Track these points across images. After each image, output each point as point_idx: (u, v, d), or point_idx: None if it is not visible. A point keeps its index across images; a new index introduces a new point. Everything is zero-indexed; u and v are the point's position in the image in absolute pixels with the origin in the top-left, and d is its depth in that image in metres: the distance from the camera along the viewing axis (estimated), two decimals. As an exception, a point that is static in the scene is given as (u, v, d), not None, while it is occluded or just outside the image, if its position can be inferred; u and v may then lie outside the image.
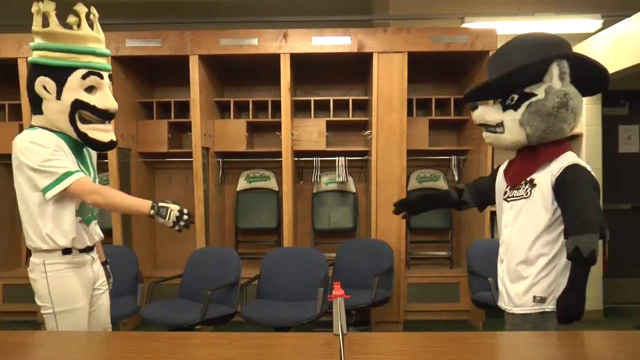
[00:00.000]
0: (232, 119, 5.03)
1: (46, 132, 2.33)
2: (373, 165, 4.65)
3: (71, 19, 2.36)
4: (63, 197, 2.31)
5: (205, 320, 3.53)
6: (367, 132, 4.89)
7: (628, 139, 5.57)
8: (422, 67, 4.87)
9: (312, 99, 4.99)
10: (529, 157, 2.38)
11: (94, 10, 2.45)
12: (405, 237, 4.79)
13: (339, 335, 1.79)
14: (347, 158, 5.15)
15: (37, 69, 2.34)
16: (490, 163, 4.63)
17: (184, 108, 5.02)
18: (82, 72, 2.33)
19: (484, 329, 4.65)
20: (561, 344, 2.05)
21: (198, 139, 4.62)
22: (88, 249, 2.47)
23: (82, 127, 2.35)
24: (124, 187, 4.74)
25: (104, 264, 2.70)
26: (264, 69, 4.93)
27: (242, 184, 5.33)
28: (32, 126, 2.41)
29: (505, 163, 2.57)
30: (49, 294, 2.34)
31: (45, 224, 2.33)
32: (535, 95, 2.28)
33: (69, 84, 2.32)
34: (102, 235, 2.60)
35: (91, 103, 2.34)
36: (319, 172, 5.23)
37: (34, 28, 2.33)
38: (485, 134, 2.50)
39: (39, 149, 2.27)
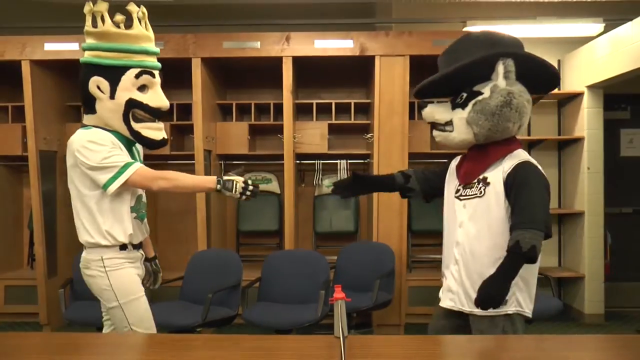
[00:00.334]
0: (234, 121, 5.04)
1: (101, 131, 2.36)
2: (375, 168, 4.65)
3: (117, 18, 2.36)
4: (122, 192, 2.34)
5: (206, 322, 3.53)
6: (368, 135, 4.89)
7: (630, 142, 5.57)
8: (423, 71, 4.85)
9: (314, 101, 4.99)
10: (480, 156, 2.37)
11: (143, 8, 2.46)
12: (407, 240, 4.79)
13: (339, 338, 1.80)
14: (348, 161, 5.15)
15: (90, 69, 2.38)
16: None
17: (186, 110, 5.03)
18: (135, 71, 2.35)
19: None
20: (562, 347, 2.05)
21: (200, 141, 4.63)
22: (139, 246, 2.51)
23: (136, 126, 2.38)
24: (126, 189, 4.75)
25: (153, 259, 2.71)
26: (266, 71, 4.94)
27: (243, 186, 5.34)
28: (84, 125, 2.45)
29: (458, 158, 2.55)
30: (112, 288, 2.38)
31: (105, 221, 2.37)
32: (481, 93, 2.28)
33: (123, 84, 2.34)
34: (149, 231, 2.63)
35: (144, 102, 2.37)
36: (320, 175, 5.23)
37: (86, 28, 2.37)
38: (434, 133, 2.49)
39: (97, 147, 2.29)
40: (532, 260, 2.15)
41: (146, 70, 2.38)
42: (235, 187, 2.35)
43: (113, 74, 2.35)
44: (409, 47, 4.55)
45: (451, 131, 2.38)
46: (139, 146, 2.55)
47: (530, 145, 5.42)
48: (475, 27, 4.75)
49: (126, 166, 2.30)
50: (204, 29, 4.57)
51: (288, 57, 4.56)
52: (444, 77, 2.32)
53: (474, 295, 2.23)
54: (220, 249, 4.79)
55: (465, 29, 4.78)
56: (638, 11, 4.23)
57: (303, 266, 4.07)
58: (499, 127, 2.27)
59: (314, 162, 5.20)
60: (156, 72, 2.43)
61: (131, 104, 2.35)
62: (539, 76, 2.38)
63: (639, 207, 5.51)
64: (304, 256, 4.28)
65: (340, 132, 5.19)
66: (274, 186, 5.33)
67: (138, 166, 2.34)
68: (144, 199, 2.54)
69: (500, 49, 2.28)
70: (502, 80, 2.26)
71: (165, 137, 2.48)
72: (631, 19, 4.28)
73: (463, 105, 2.32)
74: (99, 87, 2.36)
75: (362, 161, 5.19)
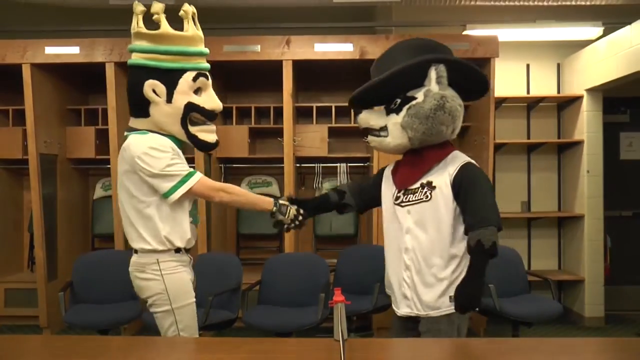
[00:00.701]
0: (234, 124, 5.05)
1: (160, 137, 2.32)
2: (374, 171, 4.65)
3: (156, 7, 2.33)
4: (182, 198, 2.32)
5: (206, 325, 3.53)
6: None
7: (629, 145, 5.58)
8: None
9: (314, 105, 5.00)
10: (415, 160, 2.40)
11: (193, 8, 2.42)
12: (407, 243, 4.79)
13: (339, 341, 1.80)
14: (348, 164, 5.16)
15: (143, 72, 2.30)
16: (491, 169, 4.64)
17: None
18: (192, 74, 2.33)
19: (485, 335, 4.66)
20: (562, 350, 2.05)
21: (200, 144, 4.63)
22: (189, 250, 2.50)
23: (192, 129, 2.36)
24: (127, 192, 4.75)
25: None
26: (266, 75, 4.95)
27: (244, 189, 5.34)
28: (131, 129, 2.38)
29: (392, 165, 2.57)
30: (166, 291, 2.34)
31: (164, 226, 2.33)
32: (415, 98, 2.31)
33: (180, 87, 2.31)
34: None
35: (201, 105, 2.36)
36: (320, 178, 5.24)
37: (138, 29, 2.31)
38: (369, 138, 2.51)
39: (160, 154, 2.25)
40: (494, 255, 2.23)
41: (202, 73, 2.37)
42: (288, 213, 2.41)
43: (170, 77, 2.30)
44: (409, 51, 4.55)
45: (386, 136, 2.41)
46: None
47: (529, 149, 5.43)
48: (475, 31, 4.77)
49: (189, 175, 2.29)
50: (204, 32, 4.53)
51: (288, 61, 4.57)
52: (379, 83, 2.34)
53: (429, 299, 2.30)
54: (220, 252, 4.80)
55: (465, 33, 4.79)
56: (637, 15, 4.24)
57: (303, 269, 4.07)
58: (433, 130, 2.30)
59: (314, 165, 5.21)
60: (209, 74, 2.42)
61: (190, 108, 2.33)
62: (469, 82, 2.42)
63: (639, 210, 5.51)
64: (304, 259, 4.28)
65: (340, 135, 5.19)
66: (274, 189, 5.33)
67: (200, 176, 2.32)
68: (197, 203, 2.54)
69: (432, 55, 2.34)
70: (434, 85, 2.30)
71: (217, 139, 2.48)
72: (630, 23, 4.29)
73: (397, 111, 2.35)
74: (154, 91, 2.30)
75: (362, 164, 5.19)
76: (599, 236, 5.03)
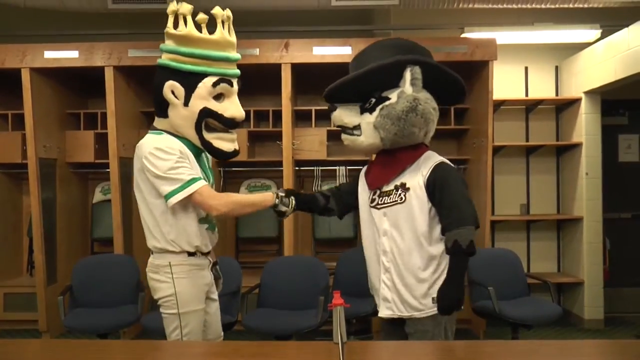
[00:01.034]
0: (233, 128, 5.04)
1: (170, 138, 2.30)
2: (374, 174, 4.66)
3: (200, 17, 2.28)
4: (187, 203, 2.28)
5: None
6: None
7: (628, 148, 5.59)
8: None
9: (313, 108, 5.01)
10: (388, 161, 2.39)
11: (228, 12, 2.36)
12: (406, 246, 4.79)
13: (338, 344, 1.80)
14: (347, 167, 5.16)
15: (166, 72, 2.29)
16: (490, 172, 4.64)
17: (185, 117, 5.04)
18: (213, 79, 2.28)
19: (485, 337, 4.65)
20: (562, 353, 2.06)
21: (199, 148, 4.63)
22: (207, 253, 2.48)
23: (207, 136, 2.31)
24: (125, 196, 4.75)
25: (214, 264, 2.70)
26: (265, 78, 4.95)
27: (243, 193, 5.35)
28: (154, 128, 2.38)
29: (366, 166, 2.57)
30: (175, 295, 2.33)
31: (170, 231, 2.31)
32: (389, 99, 2.30)
33: (199, 91, 2.27)
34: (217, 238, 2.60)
35: (219, 112, 2.30)
36: (319, 181, 5.24)
37: (167, 29, 2.27)
38: (343, 136, 2.50)
39: (165, 156, 2.22)
40: (472, 253, 2.22)
41: (224, 79, 2.30)
42: (291, 204, 2.41)
43: (190, 80, 2.26)
44: (407, 54, 4.56)
45: (359, 135, 2.39)
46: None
47: (528, 151, 5.44)
48: (473, 34, 4.78)
49: (191, 181, 2.23)
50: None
51: (287, 64, 4.58)
52: (354, 80, 2.32)
53: (411, 299, 2.29)
54: (219, 256, 4.77)
55: (463, 35, 4.80)
56: (634, 17, 4.25)
57: (302, 272, 4.07)
58: (405, 132, 2.29)
59: (313, 168, 5.21)
60: (234, 81, 2.37)
61: (205, 113, 2.28)
62: (445, 86, 2.41)
63: (638, 212, 5.52)
64: (303, 262, 4.28)
65: (339, 138, 5.12)
66: (273, 193, 5.33)
67: (202, 184, 2.25)
68: None
69: (408, 56, 2.31)
70: (408, 86, 2.29)
71: (237, 148, 2.42)
72: (627, 25, 4.30)
73: (371, 110, 2.34)
74: (173, 92, 2.27)
75: (361, 167, 5.18)
76: (598, 238, 5.03)
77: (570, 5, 4.47)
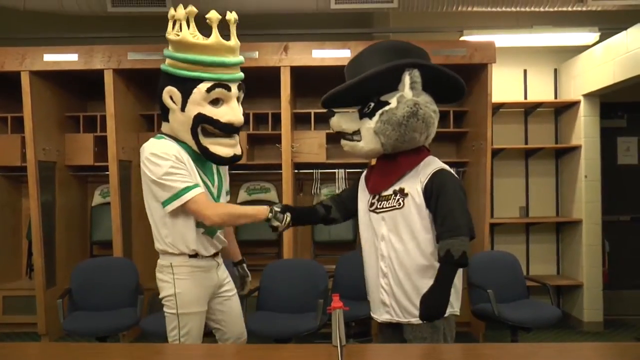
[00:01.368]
0: (232, 131, 5.05)
1: (168, 143, 2.31)
2: (373, 177, 4.66)
3: (178, 18, 2.28)
4: (185, 209, 2.29)
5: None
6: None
7: (627, 150, 5.60)
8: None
9: (312, 111, 5.01)
10: (389, 166, 2.36)
11: (233, 16, 2.37)
12: (405, 248, 4.79)
13: (337, 346, 1.80)
14: (346, 170, 5.16)
15: (165, 78, 2.31)
16: (490, 175, 4.64)
17: (184, 120, 5.04)
18: (208, 84, 2.27)
19: (484, 340, 4.65)
20: (562, 355, 2.06)
21: (199, 151, 4.63)
22: (214, 255, 2.48)
23: (204, 141, 2.31)
24: (125, 199, 4.76)
25: (240, 262, 2.68)
26: (264, 81, 4.96)
27: (242, 196, 5.35)
28: (161, 132, 2.40)
29: (367, 171, 2.54)
30: (175, 296, 2.36)
31: (167, 234, 2.34)
32: (388, 103, 2.27)
33: (193, 97, 2.26)
34: (226, 241, 2.61)
35: (214, 117, 2.29)
36: (319, 184, 5.24)
37: (166, 35, 2.29)
38: (342, 142, 2.47)
39: (160, 161, 2.24)
40: (464, 265, 2.19)
41: (220, 84, 2.28)
42: (285, 220, 2.37)
43: (186, 85, 2.26)
44: (406, 57, 4.57)
45: (359, 141, 2.37)
46: None
47: (527, 154, 5.45)
48: (472, 37, 4.79)
49: (185, 190, 2.24)
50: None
51: (286, 67, 4.58)
52: (351, 87, 2.30)
53: (408, 305, 2.27)
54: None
55: (462, 39, 4.81)
56: (633, 20, 4.26)
57: (302, 275, 4.07)
58: (406, 137, 2.26)
59: (312, 171, 5.21)
60: (233, 85, 2.33)
61: (200, 119, 2.27)
62: (444, 87, 2.38)
63: (637, 215, 5.52)
64: (302, 265, 4.28)
65: (338, 141, 5.14)
66: (272, 195, 5.33)
67: (196, 193, 2.26)
68: None
69: (407, 59, 2.28)
70: (408, 90, 2.25)
71: (238, 153, 2.40)
72: (626, 28, 4.31)
73: (370, 115, 2.31)
74: (171, 98, 2.29)
75: (361, 170, 5.18)
76: (597, 241, 5.03)
77: (569, 8, 4.48)
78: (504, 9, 4.50)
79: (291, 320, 3.72)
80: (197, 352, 2.18)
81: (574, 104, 5.13)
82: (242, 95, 2.42)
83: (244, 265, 2.71)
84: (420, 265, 2.26)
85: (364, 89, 2.30)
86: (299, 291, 3.96)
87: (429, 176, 2.27)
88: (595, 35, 4.81)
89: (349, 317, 3.68)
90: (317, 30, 5.02)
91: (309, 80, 5.08)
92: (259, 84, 5.17)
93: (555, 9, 4.48)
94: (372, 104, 2.31)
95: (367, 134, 2.32)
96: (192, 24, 2.28)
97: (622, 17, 4.62)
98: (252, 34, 5.01)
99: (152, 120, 5.12)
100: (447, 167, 2.34)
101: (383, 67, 2.22)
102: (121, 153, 4.68)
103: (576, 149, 5.10)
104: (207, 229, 2.41)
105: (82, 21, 4.94)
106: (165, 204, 2.27)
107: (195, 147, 2.33)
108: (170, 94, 2.29)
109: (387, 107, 2.27)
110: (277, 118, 4.87)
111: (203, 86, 2.27)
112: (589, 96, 5.00)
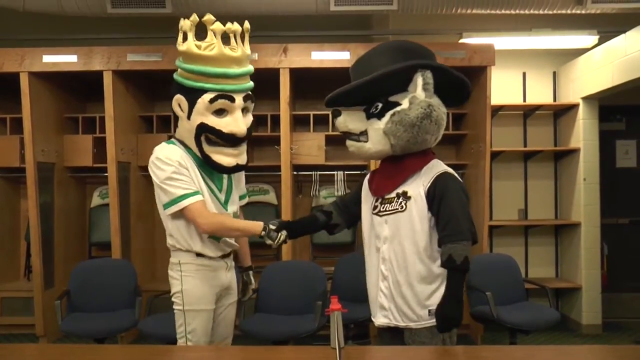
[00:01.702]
0: (231, 132, 5.04)
1: (174, 149, 2.38)
2: (372, 179, 4.66)
3: (185, 30, 2.33)
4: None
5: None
6: (365, 146, 4.89)
7: (625, 153, 5.60)
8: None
9: (312, 113, 5.01)
10: (395, 168, 2.33)
11: (246, 25, 2.42)
12: (404, 251, 4.79)
13: (336, 349, 1.80)
14: (346, 172, 5.16)
15: (176, 86, 2.39)
16: (488, 177, 4.65)
17: (184, 122, 5.03)
18: (210, 95, 2.31)
19: (483, 342, 4.65)
20: (560, 358, 2.06)
21: (198, 152, 4.63)
22: (228, 254, 2.52)
23: (207, 149, 2.36)
24: (124, 200, 4.75)
25: (247, 269, 2.68)
26: (263, 83, 4.92)
27: (241, 197, 5.34)
28: (173, 137, 2.50)
29: (370, 173, 2.52)
30: (181, 292, 2.42)
31: (174, 232, 2.42)
32: (399, 104, 2.24)
33: (197, 107, 2.32)
34: (236, 244, 2.62)
35: (217, 127, 2.33)
36: (317, 186, 5.24)
37: (177, 45, 2.35)
38: (348, 142, 2.40)
39: (163, 166, 2.32)
40: (466, 270, 2.18)
41: (224, 95, 2.32)
42: (278, 239, 2.35)
43: (192, 95, 2.33)
44: (406, 59, 4.57)
45: (365, 141, 2.32)
46: None
47: (526, 157, 5.45)
48: (471, 39, 4.79)
49: (183, 197, 2.30)
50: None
51: (285, 69, 4.58)
52: (360, 86, 2.25)
53: (407, 310, 2.25)
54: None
55: (461, 41, 4.82)
56: (631, 23, 4.27)
57: (300, 277, 4.07)
58: (418, 138, 2.24)
59: (311, 173, 5.21)
60: (238, 96, 2.37)
61: (202, 128, 2.33)
62: (451, 90, 2.36)
63: (635, 218, 5.52)
64: (301, 267, 4.27)
65: (337, 143, 5.18)
66: (271, 197, 5.33)
67: (194, 201, 2.31)
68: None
69: (416, 59, 2.25)
70: (421, 91, 2.22)
71: (241, 163, 2.44)
72: (625, 31, 4.32)
73: (379, 116, 2.27)
74: (180, 106, 2.37)
75: (360, 172, 5.20)
76: (595, 244, 5.03)
77: (568, 11, 4.49)
78: (503, 11, 4.51)
79: (290, 322, 3.72)
80: (195, 354, 2.17)
81: (573, 107, 5.14)
82: (251, 106, 2.47)
83: (250, 273, 2.71)
84: (419, 269, 2.23)
85: (372, 89, 2.26)
86: (298, 293, 3.96)
87: (432, 179, 2.24)
88: (594, 38, 4.82)
89: (347, 319, 3.67)
90: (317, 32, 5.02)
91: (308, 82, 5.08)
92: (258, 85, 5.13)
93: (555, 11, 4.49)
94: (380, 105, 2.27)
95: (375, 135, 2.28)
96: (213, 35, 2.31)
97: (621, 20, 4.63)
98: (251, 35, 4.99)
99: (151, 121, 5.12)
100: (450, 170, 2.31)
101: (397, 67, 2.19)
102: (120, 154, 4.68)
103: (575, 151, 5.11)
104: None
105: (81, 22, 4.93)
106: (165, 206, 2.35)
107: (199, 155, 2.39)
108: (178, 102, 2.37)
109: (398, 108, 2.23)
110: (276, 120, 4.87)
111: (207, 97, 2.31)
112: (587, 99, 5.00)
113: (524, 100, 5.42)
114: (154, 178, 2.35)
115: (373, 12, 4.77)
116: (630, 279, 5.47)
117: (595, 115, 5.05)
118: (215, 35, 2.30)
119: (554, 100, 5.42)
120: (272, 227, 2.37)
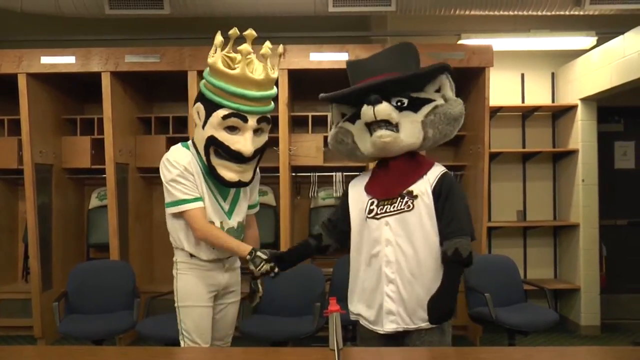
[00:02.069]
0: (230, 134, 5.04)
1: (185, 152, 2.48)
2: (370, 180, 4.65)
3: (217, 46, 2.42)
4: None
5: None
6: (364, 148, 4.89)
7: (624, 155, 5.60)
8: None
9: (310, 114, 5.01)
10: (408, 166, 2.33)
11: (281, 49, 2.55)
12: (403, 252, 4.78)
13: (334, 350, 1.80)
14: (344, 173, 5.16)
15: (200, 95, 2.47)
16: (487, 179, 4.65)
17: (182, 123, 5.04)
18: (225, 112, 2.37)
19: (481, 344, 4.65)
20: (559, 359, 2.05)
21: (196, 154, 4.63)
22: (217, 259, 2.57)
23: (214, 161, 2.44)
24: (122, 201, 4.74)
25: (253, 278, 2.69)
26: (262, 84, 4.96)
27: (239, 198, 5.33)
28: (192, 140, 2.56)
29: (361, 179, 2.47)
30: (176, 289, 2.56)
31: (171, 231, 2.56)
32: (433, 100, 2.31)
33: (211, 120, 2.40)
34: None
35: (225, 143, 2.40)
36: (316, 188, 5.24)
37: (208, 56, 2.43)
38: (384, 132, 2.26)
39: (170, 168, 2.43)
40: (470, 264, 2.23)
41: (237, 114, 2.38)
42: (261, 267, 2.35)
43: (210, 107, 2.41)
44: (404, 60, 4.57)
45: (399, 133, 2.28)
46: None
47: (525, 158, 5.45)
48: (470, 40, 4.80)
49: (183, 201, 2.42)
50: (199, 42, 4.58)
51: (284, 70, 4.58)
52: (395, 82, 2.27)
53: (418, 310, 2.23)
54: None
55: (460, 42, 4.82)
56: (630, 25, 4.27)
57: (299, 278, 4.05)
58: (451, 134, 2.36)
59: (309, 174, 5.21)
60: (252, 118, 2.40)
61: (211, 141, 2.41)
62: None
63: (634, 219, 5.52)
64: (299, 268, 4.20)
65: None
66: (269, 198, 5.32)
67: (192, 207, 2.42)
68: (227, 226, 2.55)
69: (417, 62, 2.40)
70: (449, 91, 2.35)
71: (244, 180, 2.49)
72: (623, 33, 4.32)
73: (415, 109, 2.28)
74: (198, 114, 2.45)
75: (358, 174, 5.19)
76: (594, 245, 5.04)
77: (567, 13, 4.50)
78: (501, 12, 4.51)
79: (288, 323, 3.72)
80: (193, 356, 2.17)
81: (571, 108, 5.14)
82: (266, 127, 2.53)
83: (258, 281, 2.71)
84: (432, 266, 2.24)
85: (402, 86, 2.31)
86: (297, 294, 3.96)
87: (437, 177, 2.29)
88: (592, 40, 4.82)
89: (347, 320, 3.67)
90: (315, 33, 5.02)
91: (306, 83, 5.07)
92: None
93: (553, 13, 4.49)
94: (406, 100, 2.29)
95: (411, 127, 2.27)
96: (219, 51, 2.40)
97: (620, 22, 4.63)
98: (250, 36, 5.00)
99: (149, 123, 5.11)
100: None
101: (434, 67, 2.30)
102: (118, 156, 4.67)
103: (573, 153, 5.11)
104: None
105: (79, 23, 4.93)
106: (167, 206, 2.48)
107: (207, 164, 2.47)
108: (198, 110, 2.46)
109: (437, 103, 2.30)
110: (274, 121, 4.85)
111: (221, 112, 2.38)
112: (586, 100, 5.01)
113: (523, 102, 5.42)
114: (162, 177, 2.46)
115: (371, 13, 4.77)
116: (629, 280, 5.48)
117: (593, 117, 5.05)
118: (242, 56, 2.35)
119: (553, 101, 5.42)
120: (262, 255, 2.36)
